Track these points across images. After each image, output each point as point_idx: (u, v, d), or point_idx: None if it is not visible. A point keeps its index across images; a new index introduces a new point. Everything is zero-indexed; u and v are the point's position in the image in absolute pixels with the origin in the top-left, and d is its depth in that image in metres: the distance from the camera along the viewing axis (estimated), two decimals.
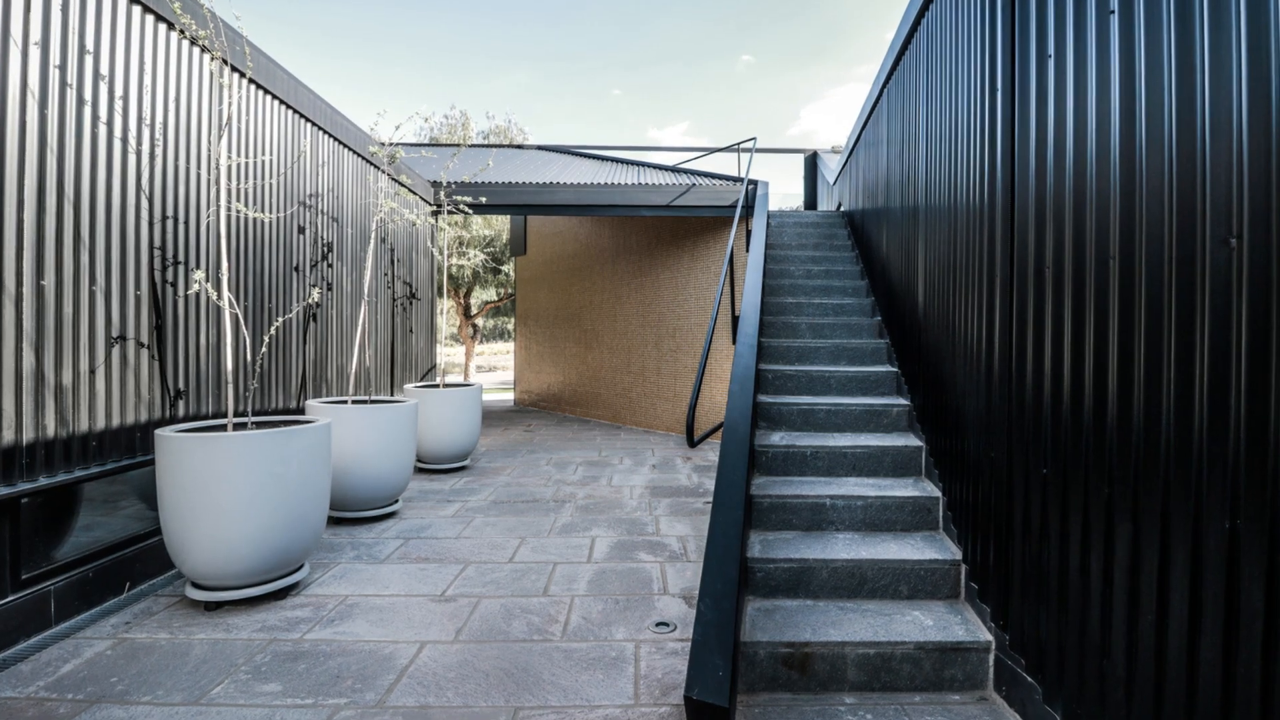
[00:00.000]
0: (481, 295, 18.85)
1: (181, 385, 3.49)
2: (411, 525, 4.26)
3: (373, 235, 5.29)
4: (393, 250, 6.45)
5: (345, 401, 4.57)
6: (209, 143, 3.72)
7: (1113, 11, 1.76)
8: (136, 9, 3.22)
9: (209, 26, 3.57)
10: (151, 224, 3.31)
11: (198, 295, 3.59)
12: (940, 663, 2.33)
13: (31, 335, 2.66)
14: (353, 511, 4.28)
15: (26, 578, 2.65)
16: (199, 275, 3.13)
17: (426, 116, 19.27)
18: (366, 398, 4.90)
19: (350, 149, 5.48)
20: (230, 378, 3.18)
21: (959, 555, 2.72)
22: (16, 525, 2.61)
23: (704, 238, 8.03)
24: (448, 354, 24.93)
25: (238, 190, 3.95)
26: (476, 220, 14.73)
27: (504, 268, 16.49)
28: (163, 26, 3.39)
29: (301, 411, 4.67)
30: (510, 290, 17.38)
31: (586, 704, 2.18)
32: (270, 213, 4.30)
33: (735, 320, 6.23)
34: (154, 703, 2.17)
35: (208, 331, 3.69)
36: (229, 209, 3.70)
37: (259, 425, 3.26)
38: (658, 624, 2.78)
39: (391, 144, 5.40)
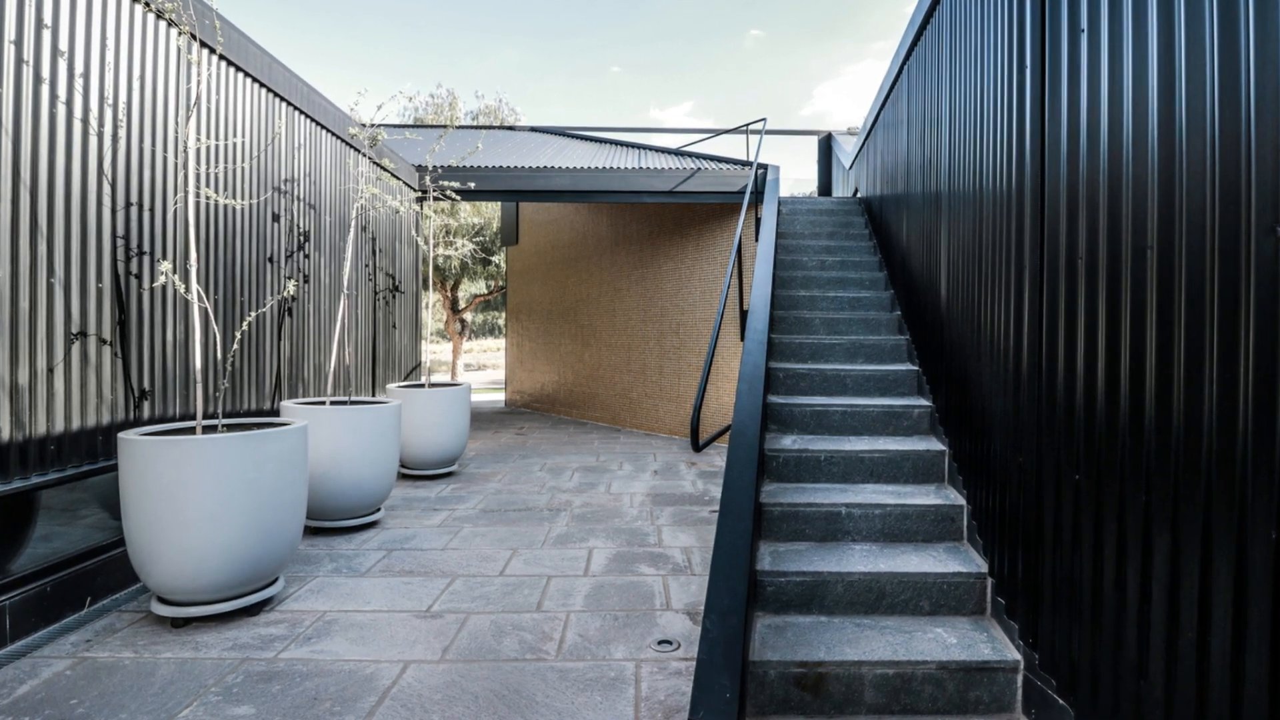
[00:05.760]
0: (470, 288, 18.86)
1: (147, 385, 3.49)
2: (395, 535, 4.26)
3: (353, 223, 5.29)
4: (374, 240, 6.45)
5: (323, 402, 4.57)
6: (176, 124, 3.72)
7: None
8: None
9: None
10: (114, 211, 3.31)
11: (164, 288, 3.59)
12: (965, 684, 2.33)
13: None
14: (331, 521, 4.28)
15: None
16: (165, 266, 3.13)
17: (411, 96, 19.27)
18: (346, 398, 4.91)
19: (329, 131, 5.48)
20: (199, 377, 3.18)
21: (985, 568, 2.72)
22: None
23: (710, 226, 8.03)
24: (433, 351, 24.94)
25: (207, 175, 3.95)
26: (465, 207, 14.73)
27: (494, 258, 16.50)
28: None
29: (276, 413, 4.67)
30: (501, 283, 17.38)
31: None
32: (242, 199, 4.30)
33: (743, 315, 6.23)
34: None
35: (175, 327, 3.69)
36: (198, 195, 3.70)
37: (230, 428, 3.26)
38: (660, 642, 2.79)
39: (373, 125, 5.40)
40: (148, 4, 3.48)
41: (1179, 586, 1.63)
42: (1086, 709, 2.00)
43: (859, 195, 7.31)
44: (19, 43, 2.81)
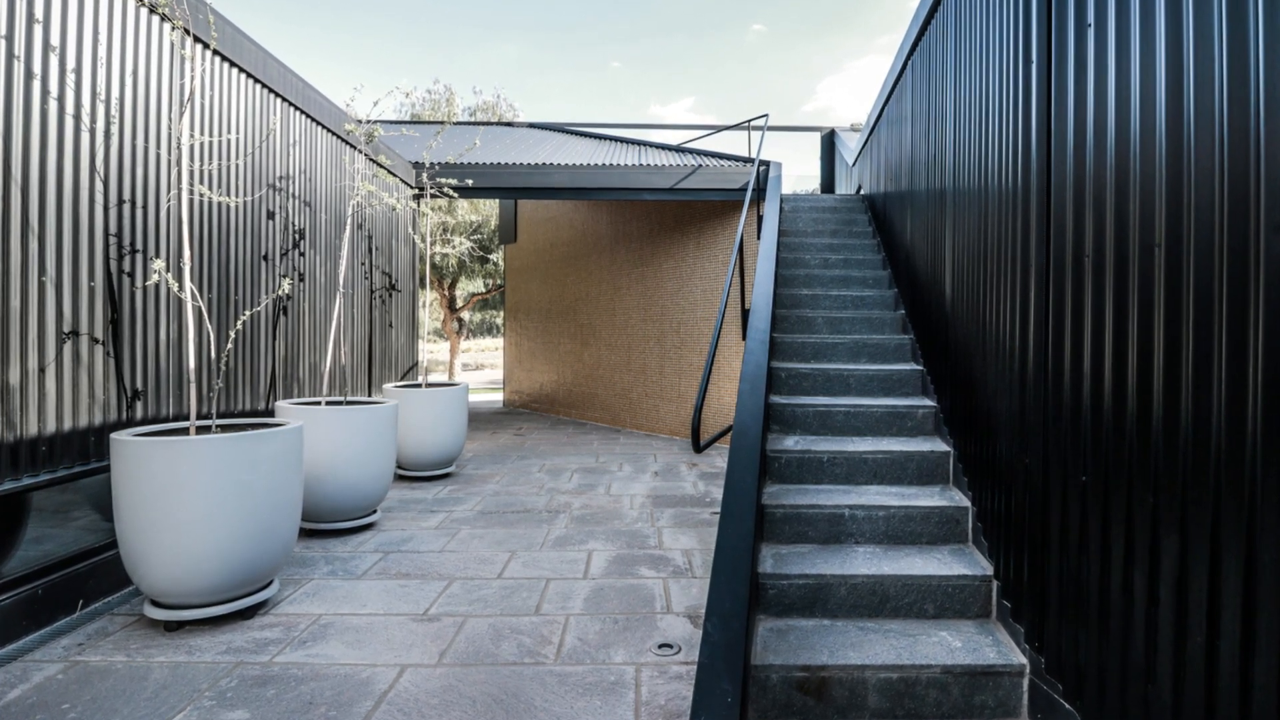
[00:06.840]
0: (468, 287, 18.85)
1: (140, 385, 3.49)
2: (391, 538, 4.26)
3: (349, 221, 5.29)
4: (370, 237, 6.45)
5: (318, 402, 4.57)
6: (170, 120, 3.72)
7: None
8: None
9: None
10: (107, 209, 3.31)
11: (157, 286, 3.59)
12: (970, 688, 2.33)
13: None
14: (327, 523, 4.29)
15: None
16: (159, 265, 3.13)
17: (408, 92, 19.16)
18: (342, 398, 4.91)
19: (324, 127, 5.48)
20: (193, 376, 3.18)
21: (990, 570, 2.72)
22: None
23: (711, 224, 8.03)
24: (431, 351, 24.95)
25: (201, 172, 3.95)
26: (462, 205, 14.73)
27: (492, 257, 16.50)
28: None
29: (271, 414, 4.67)
30: (499, 281, 17.39)
31: None
32: (237, 196, 4.30)
33: (745, 314, 6.23)
34: None
35: (168, 326, 3.69)
36: (191, 192, 3.70)
37: (224, 428, 3.26)
38: (660, 645, 2.79)
39: (369, 121, 5.40)
40: None
41: (1187, 589, 1.63)
42: (1093, 713, 1.99)
43: (862, 192, 7.31)
44: (10, 38, 2.81)
